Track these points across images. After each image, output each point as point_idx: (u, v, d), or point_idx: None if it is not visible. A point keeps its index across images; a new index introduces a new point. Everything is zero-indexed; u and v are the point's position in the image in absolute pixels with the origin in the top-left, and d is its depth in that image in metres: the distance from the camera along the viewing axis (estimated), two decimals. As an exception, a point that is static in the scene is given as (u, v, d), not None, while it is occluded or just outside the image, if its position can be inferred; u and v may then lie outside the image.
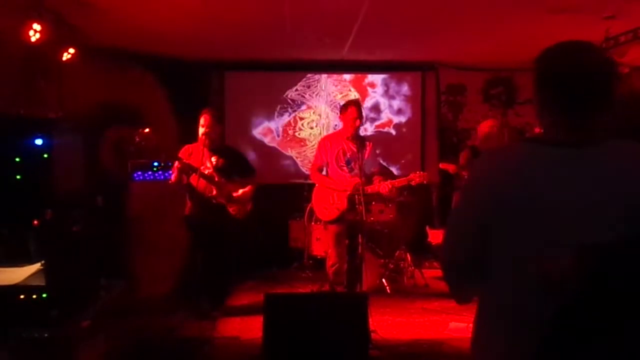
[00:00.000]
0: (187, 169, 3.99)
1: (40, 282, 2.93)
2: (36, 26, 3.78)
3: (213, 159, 4.15)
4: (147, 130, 3.75)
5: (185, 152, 4.17)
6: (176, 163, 3.94)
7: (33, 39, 3.78)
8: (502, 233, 1.16)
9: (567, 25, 4.32)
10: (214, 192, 4.11)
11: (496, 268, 1.18)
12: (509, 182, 1.15)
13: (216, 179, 4.11)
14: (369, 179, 4.30)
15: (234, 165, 4.25)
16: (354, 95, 6.55)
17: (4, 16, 3.57)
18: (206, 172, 4.08)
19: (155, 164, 4.93)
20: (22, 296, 2.81)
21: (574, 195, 1.09)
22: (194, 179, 4.07)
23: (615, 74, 1.18)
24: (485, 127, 4.60)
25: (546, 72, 1.19)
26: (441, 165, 4.72)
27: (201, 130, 4.10)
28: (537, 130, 4.27)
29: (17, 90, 3.77)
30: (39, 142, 2.93)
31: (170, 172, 3.99)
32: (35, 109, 3.76)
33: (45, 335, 2.70)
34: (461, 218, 1.27)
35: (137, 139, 3.73)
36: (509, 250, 1.15)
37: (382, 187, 4.17)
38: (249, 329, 3.85)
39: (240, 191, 4.21)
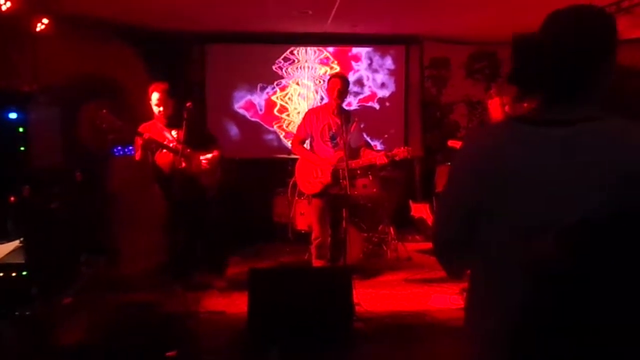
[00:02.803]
0: (152, 145, 3.89)
1: (19, 259, 2.88)
2: (7, -6, 3.62)
3: (173, 132, 4.04)
4: (103, 111, 3.57)
5: (143, 130, 3.99)
6: (139, 140, 3.81)
7: (3, 8, 3.63)
8: (487, 212, 1.16)
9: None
10: (183, 165, 4.02)
11: (484, 244, 1.19)
12: (493, 162, 1.15)
13: (182, 151, 4.00)
14: (356, 153, 4.29)
15: (196, 136, 4.15)
16: (337, 68, 6.47)
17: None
18: (171, 145, 3.97)
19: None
20: (1, 274, 2.77)
21: (558, 176, 1.08)
22: (159, 157, 3.98)
23: (610, 43, 1.13)
24: (494, 106, 4.26)
25: (532, 44, 1.14)
26: (450, 143, 4.62)
27: (156, 109, 3.98)
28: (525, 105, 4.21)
29: (-12, 62, 3.63)
30: (13, 116, 2.84)
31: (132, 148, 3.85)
32: (8, 82, 3.63)
33: (27, 312, 2.68)
34: (449, 196, 1.28)
35: (97, 122, 3.56)
36: (493, 228, 1.15)
37: (378, 157, 4.16)
38: (234, 303, 3.86)
39: (209, 155, 4.13)
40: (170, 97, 4.03)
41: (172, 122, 4.03)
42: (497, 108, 4.05)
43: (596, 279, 1.05)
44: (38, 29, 4.21)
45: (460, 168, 1.26)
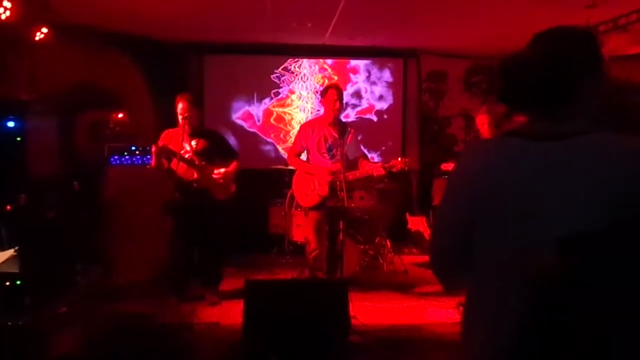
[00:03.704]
0: (166, 153, 3.94)
1: (14, 268, 2.86)
2: (6, 3, 3.63)
3: (193, 143, 4.10)
4: (120, 115, 3.65)
5: (165, 137, 4.12)
6: (153, 147, 3.89)
7: (3, 17, 3.63)
8: (484, 227, 1.16)
9: (548, 14, 4.34)
10: (195, 176, 4.07)
11: (479, 259, 1.19)
12: (488, 177, 1.16)
13: (197, 162, 4.06)
14: (354, 164, 4.29)
15: (215, 148, 4.21)
16: (335, 79, 6.50)
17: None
18: (186, 155, 4.03)
19: (133, 148, 4.85)
20: (-6, 283, 2.75)
21: (552, 189, 1.08)
22: (174, 164, 4.02)
23: (591, 59, 1.15)
24: (480, 123, 4.16)
25: (517, 63, 1.16)
26: (443, 167, 4.62)
27: (180, 117, 4.05)
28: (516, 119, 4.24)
29: (-14, 71, 3.63)
30: (11, 124, 2.83)
31: (149, 156, 3.95)
32: (7, 90, 3.63)
33: (20, 323, 2.65)
34: (445, 210, 1.29)
35: (111, 125, 3.64)
36: (490, 243, 1.16)
37: (375, 169, 4.16)
38: (229, 314, 3.84)
39: (222, 170, 4.16)
40: (195, 107, 4.12)
41: (196, 132, 4.11)
42: (484, 125, 4.08)
43: (595, 292, 1.05)
44: (37, 38, 4.22)
45: (455, 184, 1.27)
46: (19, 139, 2.83)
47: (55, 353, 2.78)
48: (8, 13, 3.66)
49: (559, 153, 1.09)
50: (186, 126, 4.03)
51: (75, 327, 3.00)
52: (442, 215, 1.30)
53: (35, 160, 2.93)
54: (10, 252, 3.06)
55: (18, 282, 2.77)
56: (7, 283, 2.75)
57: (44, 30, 4.25)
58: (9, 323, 2.65)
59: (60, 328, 2.89)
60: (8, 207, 2.83)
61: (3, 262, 3.00)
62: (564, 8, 4.25)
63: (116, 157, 4.81)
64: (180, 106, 4.04)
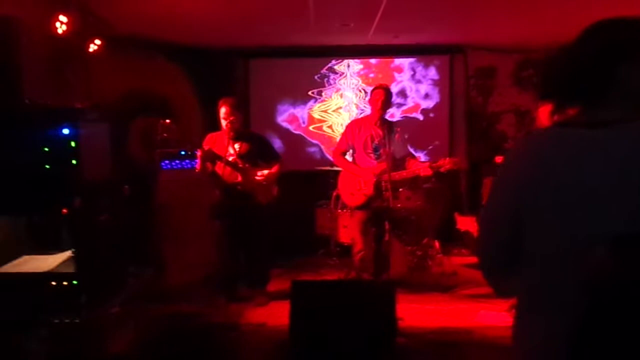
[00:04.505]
0: (211, 157, 4.03)
1: (70, 269, 2.99)
2: (63, 18, 3.82)
3: (236, 146, 4.17)
4: (167, 121, 3.79)
5: (209, 140, 4.20)
6: (199, 151, 3.99)
7: (60, 31, 3.83)
8: (535, 221, 1.11)
9: (606, 3, 4.11)
10: (239, 179, 4.14)
11: (529, 259, 1.13)
12: (535, 170, 1.11)
13: (240, 165, 4.13)
14: (400, 164, 4.23)
15: (259, 151, 4.26)
16: (379, 80, 6.44)
17: (31, 8, 3.61)
18: (230, 159, 4.10)
19: (183, 152, 4.99)
20: (53, 283, 2.88)
21: (607, 180, 1.02)
22: (219, 167, 4.11)
23: (627, 46, 1.09)
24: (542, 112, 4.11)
25: (560, 57, 1.17)
26: (497, 159, 4.50)
27: (223, 121, 4.12)
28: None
29: (45, 82, 3.82)
30: (66, 131, 2.97)
31: (196, 160, 4.05)
32: (63, 100, 3.82)
33: (76, 320, 2.77)
34: (494, 205, 1.24)
35: (159, 131, 3.79)
36: (542, 239, 1.10)
37: (423, 169, 4.10)
38: (276, 315, 3.86)
39: (266, 171, 4.20)
40: (238, 111, 4.20)
41: (239, 135, 4.20)
42: (547, 115, 3.85)
43: None
44: (91, 50, 4.42)
45: (502, 178, 1.22)
46: (73, 145, 2.97)
47: (108, 350, 2.89)
48: (65, 27, 3.85)
49: (612, 139, 1.04)
50: (229, 130, 4.11)
51: (128, 326, 3.11)
52: (490, 210, 1.25)
53: (88, 165, 3.07)
54: (67, 254, 3.21)
55: (74, 282, 2.90)
56: (65, 283, 2.88)
57: (97, 42, 4.46)
58: (66, 321, 2.77)
59: (114, 327, 3.00)
60: (64, 210, 2.97)
61: (61, 263, 3.14)
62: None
63: (167, 161, 4.96)
64: (223, 110, 4.12)
